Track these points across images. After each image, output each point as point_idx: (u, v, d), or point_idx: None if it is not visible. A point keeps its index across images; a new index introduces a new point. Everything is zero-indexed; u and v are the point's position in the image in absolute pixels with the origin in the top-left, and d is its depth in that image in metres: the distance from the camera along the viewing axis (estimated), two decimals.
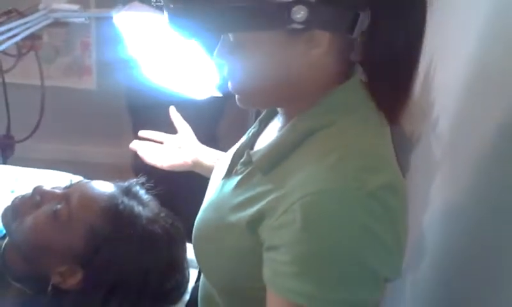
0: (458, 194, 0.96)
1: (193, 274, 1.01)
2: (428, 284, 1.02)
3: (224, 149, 0.98)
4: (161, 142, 1.14)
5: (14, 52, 1.28)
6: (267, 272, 0.67)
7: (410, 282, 1.08)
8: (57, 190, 0.92)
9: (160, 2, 0.70)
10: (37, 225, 0.87)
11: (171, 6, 0.62)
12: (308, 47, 0.65)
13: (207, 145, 1.18)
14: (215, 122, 2.14)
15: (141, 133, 1.14)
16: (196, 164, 1.09)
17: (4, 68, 1.36)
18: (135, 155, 2.29)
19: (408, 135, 1.19)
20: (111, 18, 0.84)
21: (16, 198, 0.92)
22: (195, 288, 0.96)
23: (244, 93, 0.72)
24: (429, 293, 1.01)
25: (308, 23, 0.62)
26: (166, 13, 0.63)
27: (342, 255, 0.62)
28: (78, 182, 0.95)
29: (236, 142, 0.90)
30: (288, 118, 0.75)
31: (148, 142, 1.14)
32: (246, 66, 0.68)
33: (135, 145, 1.13)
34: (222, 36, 0.70)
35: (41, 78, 1.37)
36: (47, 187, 0.92)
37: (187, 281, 0.97)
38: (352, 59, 0.69)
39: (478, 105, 0.93)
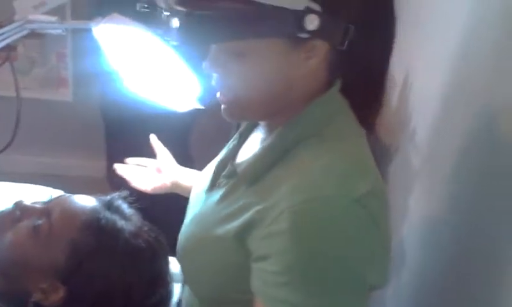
0: (437, 204, 0.97)
1: (176, 288, 0.99)
2: (409, 294, 1.03)
3: (200, 168, 0.99)
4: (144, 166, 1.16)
5: None
6: (255, 283, 0.67)
7: (391, 293, 1.09)
8: (37, 205, 0.90)
9: (147, 8, 0.68)
10: (17, 241, 0.85)
11: (184, 12, 0.61)
12: (307, 56, 0.66)
13: (182, 163, 1.19)
14: (186, 137, 2.14)
15: (128, 160, 1.17)
16: (175, 185, 1.11)
17: None
18: (108, 167, 2.27)
19: (386, 147, 1.20)
20: (90, 30, 0.83)
21: None
22: (179, 303, 0.96)
23: (236, 104, 0.71)
24: (409, 303, 1.02)
25: (314, 33, 0.63)
26: (175, 21, 0.61)
27: (331, 263, 0.63)
28: (58, 197, 0.93)
29: (211, 158, 0.90)
30: (270, 128, 0.75)
31: (131, 166, 1.16)
32: (244, 76, 0.68)
33: (121, 170, 1.14)
34: (214, 47, 0.69)
35: (17, 89, 1.34)
36: (28, 201, 0.90)
37: (171, 296, 0.96)
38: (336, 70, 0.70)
39: (455, 114, 0.95)
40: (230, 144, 0.87)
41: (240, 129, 0.86)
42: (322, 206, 0.63)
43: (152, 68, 0.83)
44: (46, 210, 0.88)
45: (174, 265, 0.96)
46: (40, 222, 0.86)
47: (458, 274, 0.87)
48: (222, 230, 0.72)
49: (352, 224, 0.63)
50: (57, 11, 1.16)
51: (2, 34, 1.06)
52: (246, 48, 0.65)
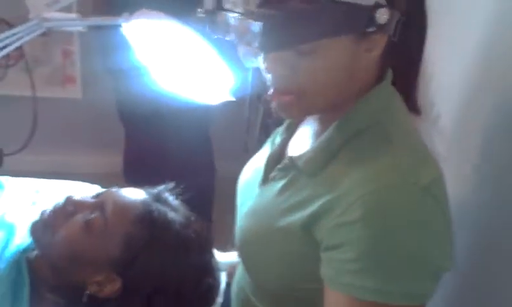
0: (461, 188, 0.96)
1: (222, 276, 1.01)
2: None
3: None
4: None
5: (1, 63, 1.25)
6: (327, 271, 0.69)
7: None
8: (88, 200, 0.91)
9: (203, 14, 0.68)
10: (72, 235, 0.86)
11: (267, 14, 0.62)
12: (368, 49, 0.67)
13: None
14: (204, 130, 2.13)
15: None
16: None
17: None
18: (125, 162, 2.27)
19: None
20: (119, 26, 0.82)
21: (45, 211, 0.90)
22: (226, 291, 0.98)
23: (299, 101, 0.70)
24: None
25: (383, 27, 0.65)
26: (258, 25, 0.61)
27: (403, 249, 0.64)
28: (108, 190, 0.94)
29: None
30: (325, 121, 0.76)
31: None
32: (310, 73, 0.67)
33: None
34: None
35: (33, 89, 1.34)
36: (78, 196, 0.91)
37: (219, 284, 0.98)
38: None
39: (480, 99, 0.94)
40: (277, 138, 0.88)
41: (287, 123, 0.87)
42: (392, 195, 0.65)
43: (184, 62, 0.82)
44: (98, 204, 0.89)
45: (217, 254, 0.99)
46: (93, 216, 0.86)
47: (484, 257, 0.88)
48: (285, 221, 0.74)
49: (421, 210, 0.65)
50: (67, 9, 1.15)
51: (17, 33, 1.05)
52: (314, 46, 0.65)
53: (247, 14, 0.63)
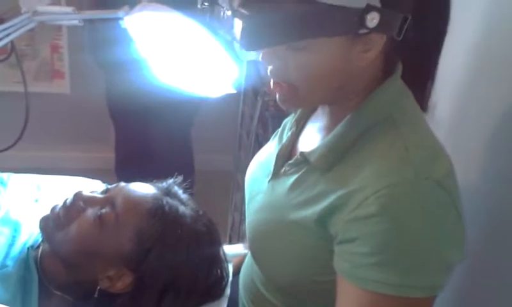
0: (468, 175, 0.97)
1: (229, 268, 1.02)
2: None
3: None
4: None
5: None
6: (342, 264, 0.70)
7: None
8: (98, 195, 0.90)
9: (205, 5, 0.68)
10: (83, 231, 0.85)
11: (247, 14, 0.62)
12: (365, 49, 0.67)
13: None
14: (187, 127, 2.13)
15: None
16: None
17: None
18: (117, 159, 2.25)
19: None
20: (118, 19, 0.81)
21: (55, 206, 0.90)
22: (234, 282, 0.98)
23: (295, 94, 0.71)
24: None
25: (374, 29, 0.64)
26: (238, 23, 0.62)
27: (417, 243, 0.66)
28: (117, 185, 0.93)
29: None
30: (337, 116, 0.76)
31: None
32: (303, 68, 0.68)
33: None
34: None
35: (25, 84, 1.31)
36: (87, 192, 0.90)
37: (228, 276, 0.98)
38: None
39: (480, 89, 0.94)
40: (286, 133, 0.88)
41: (295, 117, 0.88)
42: (406, 190, 0.66)
43: (186, 54, 0.81)
44: (108, 200, 0.88)
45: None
46: (104, 211, 0.86)
47: (489, 244, 0.88)
48: (298, 216, 0.75)
49: (434, 204, 0.66)
50: (55, 1, 1.13)
51: (8, 28, 1.03)
52: (306, 44, 0.66)
53: (232, 11, 0.64)
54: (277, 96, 0.74)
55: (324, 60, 0.67)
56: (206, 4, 0.70)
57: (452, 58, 1.03)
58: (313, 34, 0.64)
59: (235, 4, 0.63)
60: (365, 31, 0.64)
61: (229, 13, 0.65)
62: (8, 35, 1.04)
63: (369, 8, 0.63)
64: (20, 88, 1.48)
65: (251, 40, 0.64)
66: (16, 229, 0.93)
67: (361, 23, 0.63)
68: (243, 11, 0.62)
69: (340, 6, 0.62)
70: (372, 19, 0.63)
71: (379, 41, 0.67)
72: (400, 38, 0.67)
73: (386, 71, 0.74)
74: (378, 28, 0.64)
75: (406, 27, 0.66)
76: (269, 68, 0.71)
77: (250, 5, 0.62)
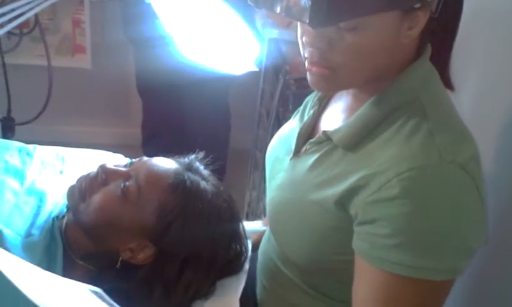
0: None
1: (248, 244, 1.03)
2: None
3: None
4: None
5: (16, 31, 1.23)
6: (361, 245, 0.70)
7: None
8: (122, 168, 0.91)
9: None
10: (106, 203, 0.87)
11: None
12: (410, 26, 0.67)
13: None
14: (222, 102, 2.13)
15: None
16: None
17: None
18: (144, 135, 2.27)
19: None
20: None
21: (81, 177, 0.91)
22: (252, 258, 1.00)
23: (338, 75, 0.71)
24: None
25: (429, 3, 0.65)
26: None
27: (439, 226, 0.65)
28: (140, 159, 0.95)
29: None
30: (362, 96, 0.76)
31: None
32: (353, 48, 0.68)
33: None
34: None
35: (48, 58, 1.32)
36: (111, 165, 0.92)
37: (247, 250, 1.00)
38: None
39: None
40: (307, 111, 0.87)
41: (319, 96, 0.87)
42: (430, 173, 0.66)
43: (210, 32, 0.81)
44: (132, 173, 0.90)
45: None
46: (127, 184, 0.87)
47: (501, 232, 0.89)
48: (319, 195, 0.75)
49: (458, 188, 0.67)
50: None
51: (31, 1, 1.03)
52: (359, 23, 0.65)
53: None
54: (309, 78, 0.73)
55: (375, 38, 0.67)
56: None
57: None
58: (380, 8, 0.64)
59: None
60: (419, 4, 0.65)
61: None
62: (31, 9, 1.04)
63: None
64: (42, 61, 1.50)
65: (322, 15, 0.62)
66: (41, 199, 0.95)
67: None
68: None
69: None
70: None
71: (422, 19, 0.67)
72: (436, 16, 0.67)
73: (419, 52, 0.73)
74: (431, 3, 0.65)
75: (440, 4, 0.67)
76: (309, 50, 0.70)
77: None
